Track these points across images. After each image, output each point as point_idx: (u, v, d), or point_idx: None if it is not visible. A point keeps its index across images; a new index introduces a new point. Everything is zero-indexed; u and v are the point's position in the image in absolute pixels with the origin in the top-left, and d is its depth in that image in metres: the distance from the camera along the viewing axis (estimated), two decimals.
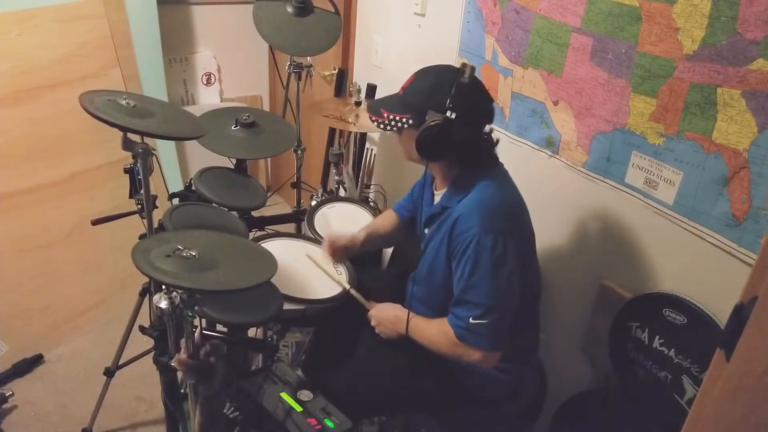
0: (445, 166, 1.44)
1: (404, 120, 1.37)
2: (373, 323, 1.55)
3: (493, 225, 1.31)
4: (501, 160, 1.49)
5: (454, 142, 1.32)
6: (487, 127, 1.42)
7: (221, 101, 3.31)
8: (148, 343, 1.74)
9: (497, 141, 1.46)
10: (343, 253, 1.74)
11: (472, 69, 1.32)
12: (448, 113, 1.29)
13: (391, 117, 1.38)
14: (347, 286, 1.62)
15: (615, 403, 1.65)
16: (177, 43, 3.03)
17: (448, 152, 1.37)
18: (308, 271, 1.69)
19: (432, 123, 1.30)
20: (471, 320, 1.32)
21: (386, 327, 1.53)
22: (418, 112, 1.34)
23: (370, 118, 1.44)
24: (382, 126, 1.41)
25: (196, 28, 3.10)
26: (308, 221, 1.96)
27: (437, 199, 1.50)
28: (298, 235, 2.10)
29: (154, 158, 1.45)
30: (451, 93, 1.29)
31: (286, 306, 1.47)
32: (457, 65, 1.37)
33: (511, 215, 1.38)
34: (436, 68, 1.43)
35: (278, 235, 1.87)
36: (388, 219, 1.82)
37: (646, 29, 1.41)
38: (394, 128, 1.39)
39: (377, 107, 1.42)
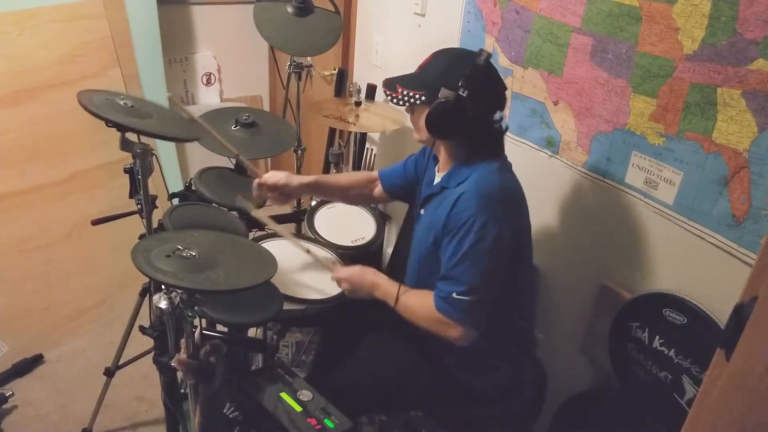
0: (453, 147, 1.44)
1: (417, 96, 1.39)
2: (343, 286, 1.56)
3: (490, 209, 1.32)
4: None
5: (463, 121, 1.33)
6: (498, 115, 1.42)
7: (221, 101, 3.31)
8: (148, 343, 1.74)
9: (506, 128, 1.46)
10: (272, 190, 1.68)
11: (489, 54, 1.33)
12: (461, 91, 1.30)
13: (405, 92, 1.40)
14: (307, 247, 1.65)
15: (615, 403, 1.65)
16: (177, 43, 3.03)
17: (456, 131, 1.38)
18: (309, 271, 1.69)
19: (443, 99, 1.31)
20: (454, 295, 1.33)
21: (360, 289, 1.52)
22: (431, 89, 1.35)
23: (385, 92, 1.45)
24: (395, 101, 1.42)
25: (196, 28, 3.10)
26: (308, 221, 1.97)
27: (437, 179, 1.50)
28: (298, 235, 2.10)
29: (153, 158, 1.45)
30: (465, 73, 1.30)
31: (287, 306, 1.47)
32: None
33: (508, 202, 1.39)
34: (454, 50, 1.46)
35: (278, 235, 1.87)
36: (358, 176, 1.82)
37: (646, 29, 1.41)
38: (407, 104, 1.41)
39: (393, 83, 1.44)
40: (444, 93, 1.32)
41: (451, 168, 1.45)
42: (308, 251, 1.67)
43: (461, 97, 1.30)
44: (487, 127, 1.40)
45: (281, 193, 1.69)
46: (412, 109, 1.44)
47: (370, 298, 1.51)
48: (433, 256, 1.44)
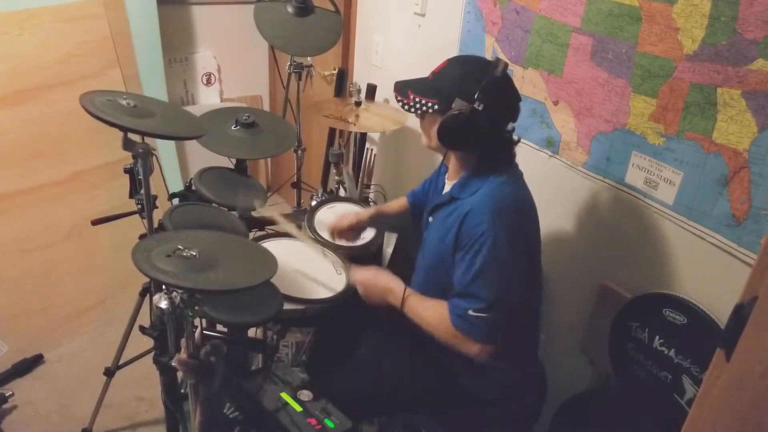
0: (462, 158, 1.43)
1: (430, 104, 1.36)
2: (359, 289, 1.52)
3: (504, 222, 1.30)
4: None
5: (476, 133, 1.31)
6: (510, 125, 1.41)
7: (221, 101, 3.31)
8: (148, 343, 1.74)
9: (518, 140, 1.45)
10: (350, 233, 1.79)
11: (506, 65, 1.32)
12: (476, 104, 1.28)
13: (417, 99, 1.37)
14: (326, 256, 1.67)
15: (615, 403, 1.65)
16: (177, 43, 3.03)
17: (468, 143, 1.36)
18: (309, 270, 1.69)
19: (458, 111, 1.29)
20: (470, 312, 1.31)
21: (374, 294, 1.50)
22: (445, 98, 1.33)
23: (396, 97, 1.42)
24: (406, 107, 1.40)
25: (196, 28, 3.10)
26: (308, 221, 1.96)
27: (447, 188, 1.49)
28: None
29: (154, 158, 1.45)
30: (481, 84, 1.28)
31: (287, 306, 1.47)
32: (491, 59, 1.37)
33: (521, 214, 1.37)
34: (470, 58, 1.44)
35: (278, 235, 1.87)
36: (398, 202, 1.84)
37: (646, 29, 1.42)
38: (418, 111, 1.38)
39: (404, 88, 1.41)
40: (458, 104, 1.29)
41: (461, 177, 1.43)
42: (325, 254, 1.67)
43: (476, 109, 1.28)
44: (499, 137, 1.38)
45: (356, 231, 1.80)
46: (423, 115, 1.41)
47: (383, 303, 1.48)
48: (440, 266, 1.44)
